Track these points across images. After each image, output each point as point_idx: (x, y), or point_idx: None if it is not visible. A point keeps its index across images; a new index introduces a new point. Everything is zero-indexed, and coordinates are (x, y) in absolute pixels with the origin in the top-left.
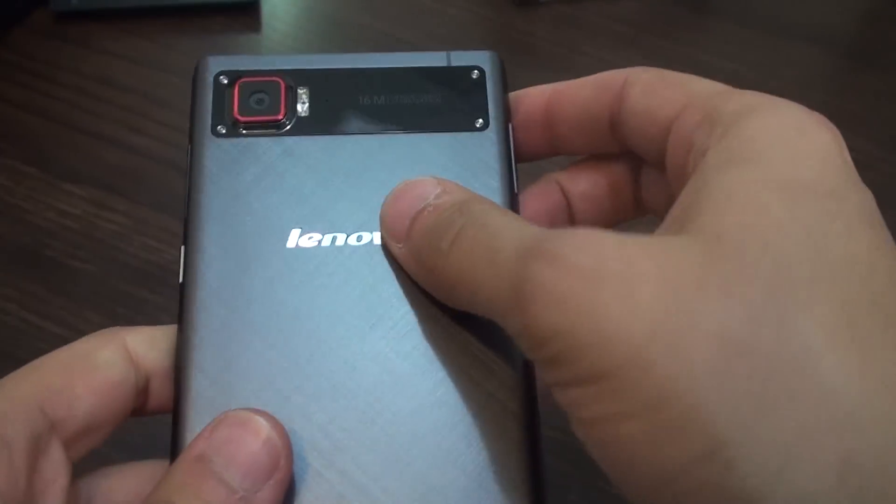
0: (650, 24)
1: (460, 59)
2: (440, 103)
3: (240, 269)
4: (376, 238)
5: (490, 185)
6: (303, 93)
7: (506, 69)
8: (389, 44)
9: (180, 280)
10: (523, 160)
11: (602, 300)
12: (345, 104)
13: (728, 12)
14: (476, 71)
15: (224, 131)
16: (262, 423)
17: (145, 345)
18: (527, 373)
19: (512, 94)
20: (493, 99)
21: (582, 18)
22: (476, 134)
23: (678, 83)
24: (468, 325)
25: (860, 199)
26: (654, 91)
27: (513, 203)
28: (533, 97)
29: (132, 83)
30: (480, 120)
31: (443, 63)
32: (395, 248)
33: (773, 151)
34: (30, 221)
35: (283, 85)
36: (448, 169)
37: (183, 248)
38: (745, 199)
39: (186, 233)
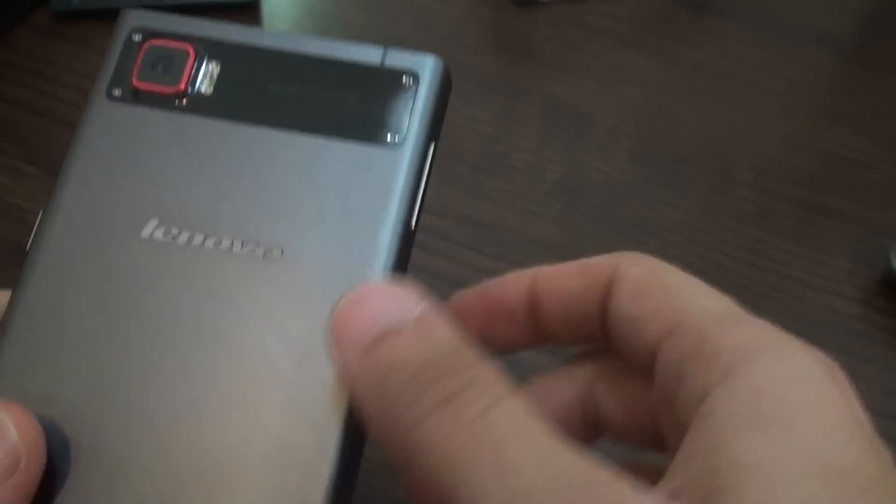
0: (650, 24)
1: (396, 59)
2: (357, 107)
3: (86, 250)
4: (236, 246)
5: (380, 211)
6: (212, 67)
7: (451, 78)
8: (390, 43)
9: (27, 248)
10: (506, 351)
11: None
12: (253, 89)
13: (728, 12)
14: (408, 77)
15: (119, 95)
16: (6, 422)
17: None
18: (349, 434)
19: (492, 282)
20: (420, 112)
21: (582, 18)
22: (385, 150)
23: (670, 292)
24: (301, 377)
25: (891, 479)
26: (644, 299)
27: (404, 239)
28: (513, 285)
29: None
30: (396, 135)
31: (375, 61)
32: (344, 351)
33: (794, 414)
34: (30, 221)
35: (192, 55)
36: (338, 183)
37: (40, 213)
38: (787, 484)
39: (49, 199)
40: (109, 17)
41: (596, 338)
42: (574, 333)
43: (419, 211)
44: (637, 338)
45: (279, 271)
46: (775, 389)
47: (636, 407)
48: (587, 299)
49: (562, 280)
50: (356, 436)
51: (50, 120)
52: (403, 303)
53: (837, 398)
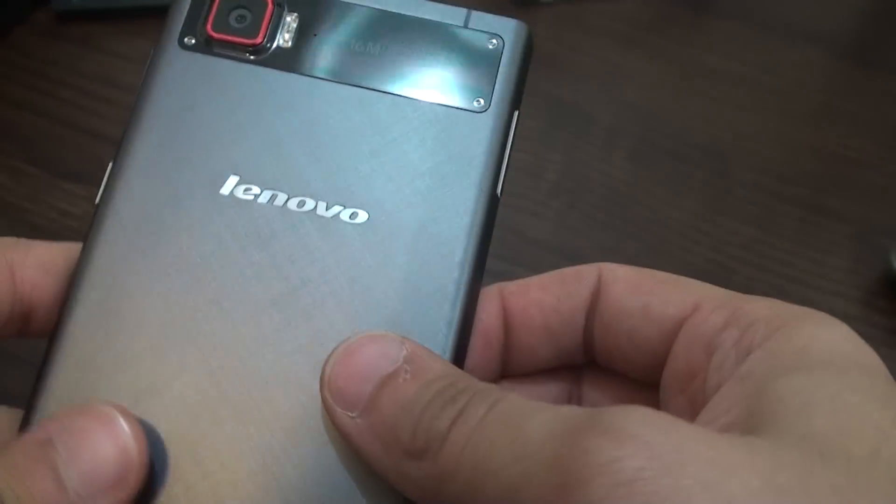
0: (650, 24)
1: (480, 22)
2: (442, 69)
3: (161, 206)
4: (320, 208)
5: (467, 180)
6: (291, 20)
7: (533, 46)
8: None
9: (97, 200)
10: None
11: (683, 486)
12: (334, 43)
13: (728, 12)
14: (494, 40)
15: (192, 44)
16: (123, 427)
17: (40, 270)
18: None
19: None
20: (505, 78)
21: (582, 18)
22: (471, 115)
23: (670, 282)
24: None
25: None
26: (649, 289)
27: (491, 206)
28: (481, 305)
29: (133, 83)
30: (481, 99)
31: (459, 22)
32: (344, 419)
33: (842, 362)
34: (31, 221)
35: (270, 5)
36: (425, 148)
37: (111, 165)
38: (836, 404)
39: (119, 149)
40: (109, 17)
41: (573, 354)
42: (550, 351)
43: (504, 177)
44: (649, 325)
45: (366, 234)
46: (818, 347)
47: (623, 399)
48: (570, 307)
49: (539, 292)
50: None
51: (50, 120)
52: (388, 349)
53: (876, 360)
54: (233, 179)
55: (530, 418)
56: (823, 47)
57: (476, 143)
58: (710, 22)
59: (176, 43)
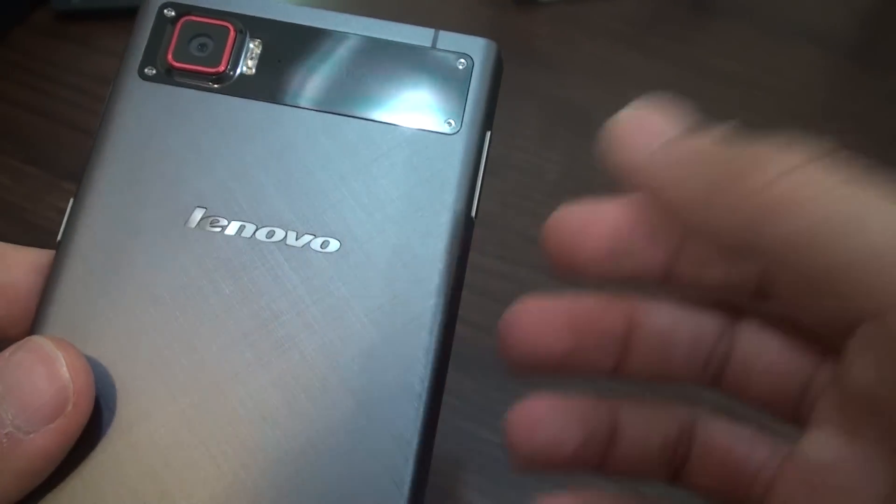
0: (650, 24)
1: (448, 42)
2: (411, 91)
3: (126, 242)
4: (290, 238)
5: (440, 203)
6: (254, 46)
7: (502, 64)
8: None
9: (58, 238)
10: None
11: None
12: (299, 69)
13: (728, 12)
14: (462, 60)
15: (153, 74)
16: (59, 359)
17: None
18: (427, 417)
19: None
20: (475, 98)
21: (582, 18)
22: (442, 137)
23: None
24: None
25: None
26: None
27: (466, 227)
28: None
29: None
30: (452, 121)
31: (426, 43)
32: (635, 151)
33: None
34: (30, 221)
35: (232, 32)
36: (396, 172)
37: (71, 201)
38: None
39: (80, 184)
40: (109, 17)
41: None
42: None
43: (479, 199)
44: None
45: (338, 263)
46: None
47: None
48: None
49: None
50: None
51: (50, 120)
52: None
53: None
54: (199, 212)
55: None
56: (824, 47)
57: (448, 165)
58: (709, 21)
59: (136, 73)
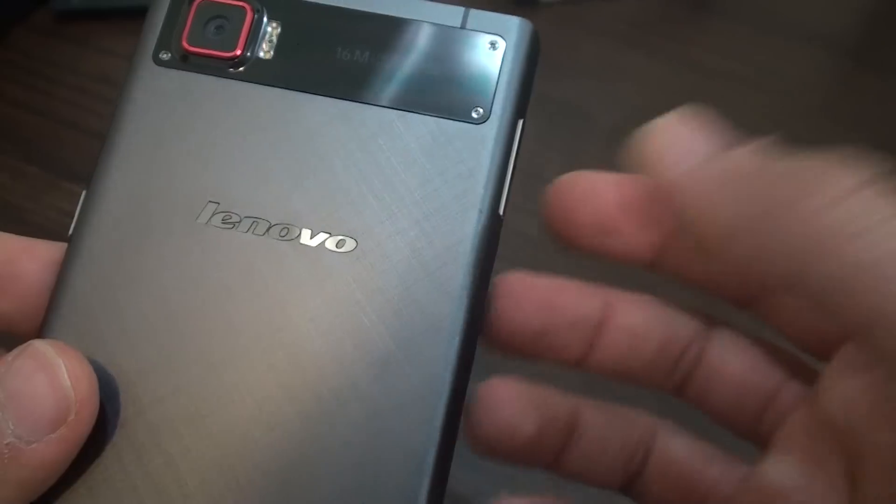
0: (650, 24)
1: (479, 21)
2: (436, 76)
3: (137, 239)
4: (304, 236)
5: (465, 200)
6: (273, 29)
7: (539, 45)
8: None
9: (70, 232)
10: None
11: None
12: (319, 53)
13: (728, 12)
14: (493, 40)
15: (167, 59)
16: (61, 367)
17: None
18: (449, 420)
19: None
20: (507, 83)
21: (582, 18)
22: (469, 126)
23: None
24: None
25: None
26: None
27: (493, 228)
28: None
29: None
30: (480, 109)
31: (455, 23)
32: (671, 166)
33: None
34: (31, 220)
35: (250, 14)
36: (419, 166)
37: (84, 192)
38: None
39: (93, 176)
40: (109, 17)
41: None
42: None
43: (508, 195)
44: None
45: (354, 264)
46: None
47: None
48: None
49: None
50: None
51: (50, 120)
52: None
53: None
54: (211, 207)
55: None
56: (823, 47)
57: (475, 158)
58: (710, 21)
59: (150, 59)
